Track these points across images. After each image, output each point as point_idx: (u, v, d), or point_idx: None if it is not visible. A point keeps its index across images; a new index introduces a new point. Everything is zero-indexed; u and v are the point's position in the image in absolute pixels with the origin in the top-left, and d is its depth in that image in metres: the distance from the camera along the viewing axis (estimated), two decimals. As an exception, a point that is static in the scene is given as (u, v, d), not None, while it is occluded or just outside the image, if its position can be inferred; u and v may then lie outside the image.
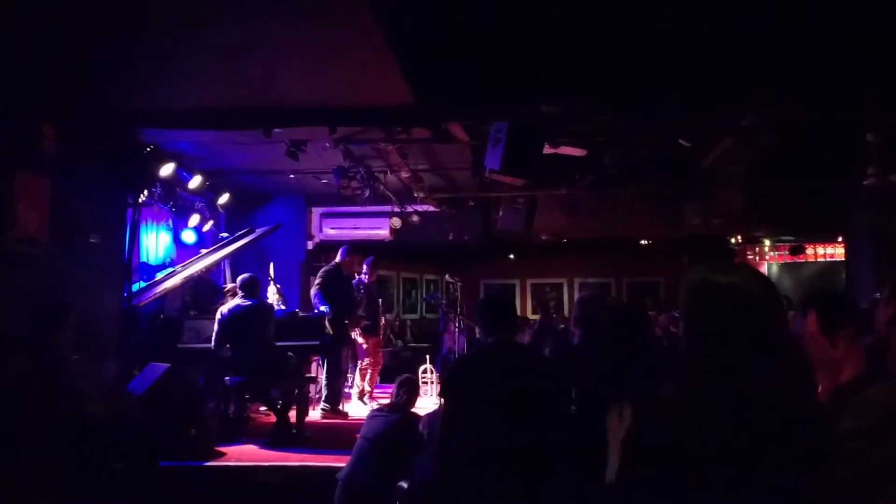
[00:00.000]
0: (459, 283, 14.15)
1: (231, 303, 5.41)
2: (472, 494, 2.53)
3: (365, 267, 7.08)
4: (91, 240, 4.99)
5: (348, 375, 7.32)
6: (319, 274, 6.59)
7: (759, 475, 1.38)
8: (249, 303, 5.26)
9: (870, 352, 2.01)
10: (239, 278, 5.50)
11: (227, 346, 5.25)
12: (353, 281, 6.80)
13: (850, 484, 1.53)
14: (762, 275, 1.59)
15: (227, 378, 5.20)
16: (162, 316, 6.03)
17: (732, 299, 1.48)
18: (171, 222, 6.94)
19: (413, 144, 5.89)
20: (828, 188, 7.05)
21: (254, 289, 5.36)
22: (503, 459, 2.50)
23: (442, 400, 3.02)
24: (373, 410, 4.42)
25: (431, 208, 8.31)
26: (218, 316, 5.28)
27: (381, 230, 8.62)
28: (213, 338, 5.29)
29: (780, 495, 1.38)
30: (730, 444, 1.38)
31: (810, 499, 1.42)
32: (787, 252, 11.58)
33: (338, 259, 6.71)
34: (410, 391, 4.19)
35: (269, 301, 6.35)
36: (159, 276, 6.13)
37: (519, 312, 13.64)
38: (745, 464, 1.38)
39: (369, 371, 7.04)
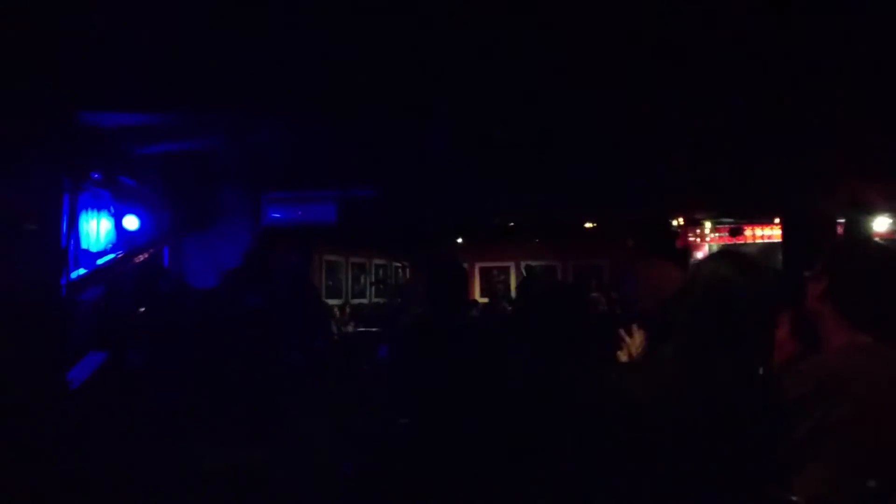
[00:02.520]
0: (408, 268, 14.19)
1: None
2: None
3: None
4: (27, 227, 4.85)
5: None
6: None
7: (706, 441, 1.44)
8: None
9: (802, 327, 2.09)
10: None
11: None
12: None
13: (786, 453, 1.60)
14: (750, 264, 1.68)
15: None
16: (103, 304, 5.90)
17: (722, 288, 1.57)
18: (112, 208, 6.77)
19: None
20: (765, 172, 7.24)
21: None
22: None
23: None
24: None
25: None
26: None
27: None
28: None
29: (723, 460, 1.45)
30: (685, 409, 1.44)
31: (753, 467, 1.50)
32: (727, 234, 11.90)
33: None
34: None
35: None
36: (100, 263, 5.99)
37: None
38: (701, 433, 1.44)
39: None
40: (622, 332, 2.29)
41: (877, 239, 8.95)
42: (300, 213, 8.46)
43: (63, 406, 3.99)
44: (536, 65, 4.29)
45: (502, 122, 5.50)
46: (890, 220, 10.39)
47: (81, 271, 5.70)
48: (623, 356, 2.22)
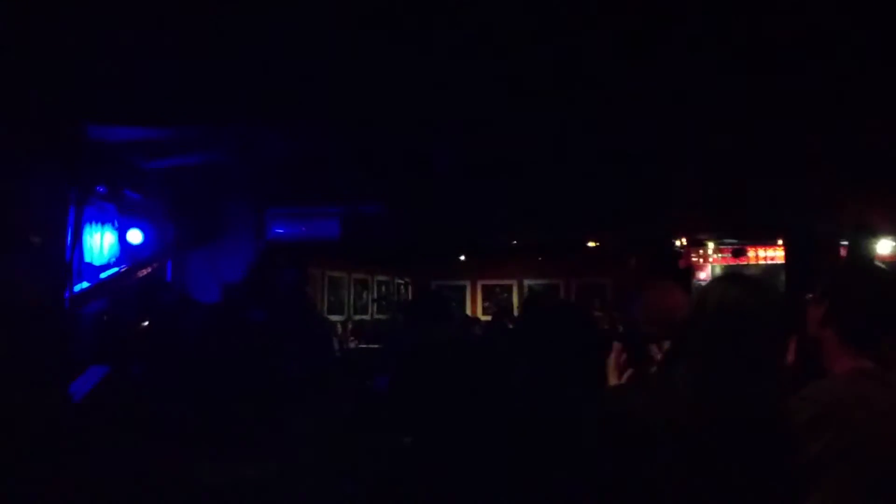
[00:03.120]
0: (410, 285, 14.19)
1: None
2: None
3: None
4: (32, 240, 4.86)
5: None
6: None
7: (721, 470, 1.44)
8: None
9: (803, 351, 2.08)
10: None
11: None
12: None
13: (792, 479, 1.60)
14: (765, 289, 1.69)
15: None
16: (106, 318, 5.90)
17: (734, 311, 1.58)
18: (116, 222, 6.79)
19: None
20: (768, 193, 7.25)
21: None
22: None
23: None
24: None
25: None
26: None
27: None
28: None
29: (735, 488, 1.45)
30: (700, 437, 1.44)
31: (760, 493, 1.49)
32: (729, 255, 11.89)
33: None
34: None
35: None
36: (104, 276, 6.00)
37: (469, 313, 13.74)
38: (710, 456, 1.44)
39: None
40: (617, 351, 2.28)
41: (877, 262, 8.94)
42: (304, 228, 8.47)
43: (64, 419, 3.98)
44: (539, 83, 4.31)
45: (506, 140, 5.52)
46: (893, 243, 10.37)
47: (84, 285, 5.71)
48: (613, 378, 2.20)
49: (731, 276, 1.77)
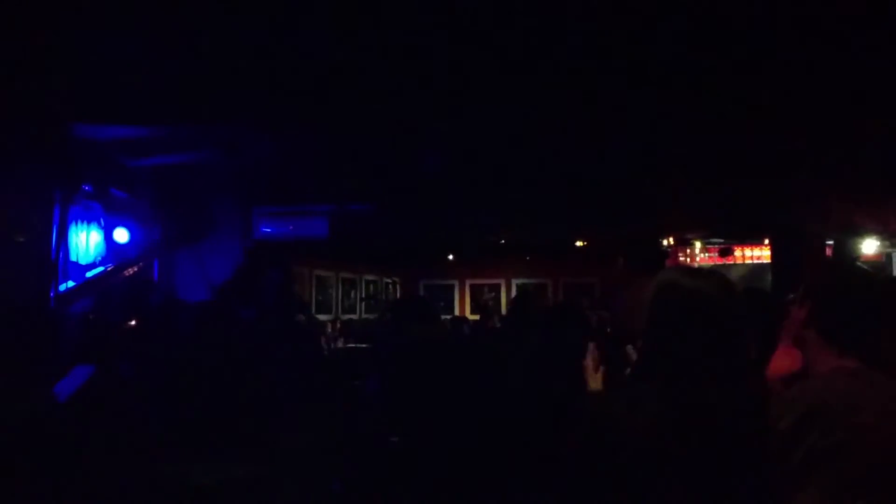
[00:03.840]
0: (399, 284, 14.18)
1: None
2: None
3: None
4: (16, 239, 4.83)
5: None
6: None
7: (702, 470, 1.44)
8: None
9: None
10: None
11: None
12: None
13: (776, 481, 1.61)
14: (730, 283, 1.65)
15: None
16: (92, 317, 5.87)
17: (693, 301, 1.54)
18: (102, 220, 6.75)
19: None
20: (755, 193, 7.30)
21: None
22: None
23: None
24: None
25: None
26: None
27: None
28: None
29: (718, 491, 1.45)
30: (678, 439, 1.43)
31: (745, 495, 1.49)
32: (716, 254, 11.96)
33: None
34: None
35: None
36: (89, 275, 5.97)
37: (458, 312, 13.75)
38: (690, 458, 1.43)
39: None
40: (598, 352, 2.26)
41: (860, 262, 9.02)
42: (291, 227, 8.44)
43: (49, 419, 3.96)
44: (530, 86, 4.32)
45: (494, 141, 5.52)
46: (878, 243, 10.46)
47: (70, 284, 5.68)
48: (594, 381, 2.19)
49: (687, 271, 1.72)
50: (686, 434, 1.45)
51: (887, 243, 10.86)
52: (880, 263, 10.95)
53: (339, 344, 11.31)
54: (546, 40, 3.65)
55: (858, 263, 8.51)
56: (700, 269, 2.00)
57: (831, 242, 9.69)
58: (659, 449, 1.44)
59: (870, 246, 10.31)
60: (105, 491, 4.07)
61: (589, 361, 2.19)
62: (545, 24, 3.48)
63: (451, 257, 13.79)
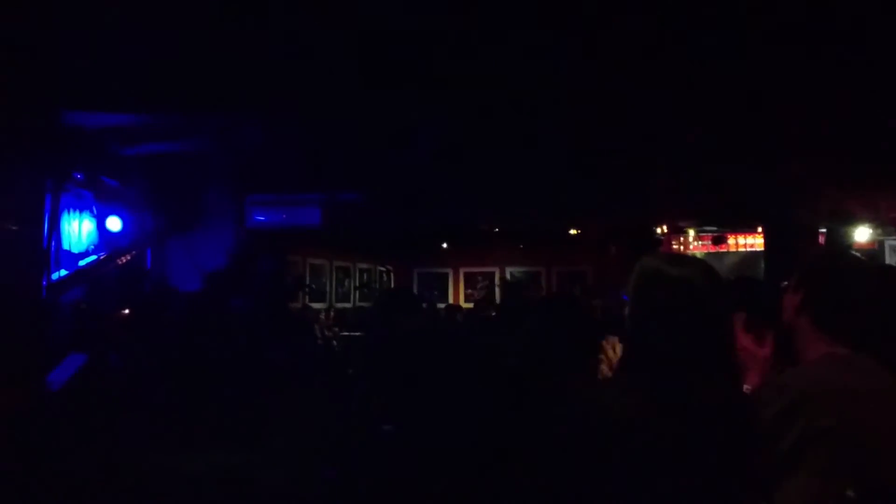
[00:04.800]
0: (392, 272, 14.18)
1: None
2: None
3: None
4: (7, 227, 4.80)
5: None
6: None
7: (689, 461, 1.43)
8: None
9: (777, 340, 2.10)
10: None
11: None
12: None
13: (768, 467, 1.61)
14: (713, 270, 1.64)
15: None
16: (84, 306, 5.85)
17: (679, 290, 1.52)
18: (94, 209, 6.72)
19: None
20: (748, 181, 7.30)
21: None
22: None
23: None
24: None
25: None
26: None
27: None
28: None
29: (707, 481, 1.44)
30: (665, 430, 1.43)
31: (734, 485, 1.49)
32: (710, 242, 11.98)
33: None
34: None
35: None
36: (82, 264, 5.95)
37: (451, 300, 13.76)
38: (676, 449, 1.43)
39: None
40: (604, 344, 2.26)
41: (853, 250, 9.04)
42: (284, 216, 8.42)
43: (42, 408, 3.95)
44: (523, 73, 4.31)
45: (487, 129, 5.51)
46: (870, 230, 10.49)
47: (62, 273, 5.65)
48: (605, 370, 2.19)
49: (670, 258, 1.68)
50: (673, 425, 1.45)
51: (880, 231, 10.89)
52: (873, 251, 10.99)
53: (334, 332, 11.32)
54: (537, 24, 3.63)
55: (851, 251, 8.54)
56: (683, 256, 1.98)
57: (824, 230, 9.71)
58: (646, 441, 1.43)
59: (862, 234, 10.33)
60: (96, 479, 4.06)
61: (610, 352, 2.17)
62: (533, 7, 3.46)
63: (444, 245, 13.78)
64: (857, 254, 2.76)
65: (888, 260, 11.16)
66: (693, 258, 1.93)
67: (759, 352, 2.15)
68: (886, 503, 1.63)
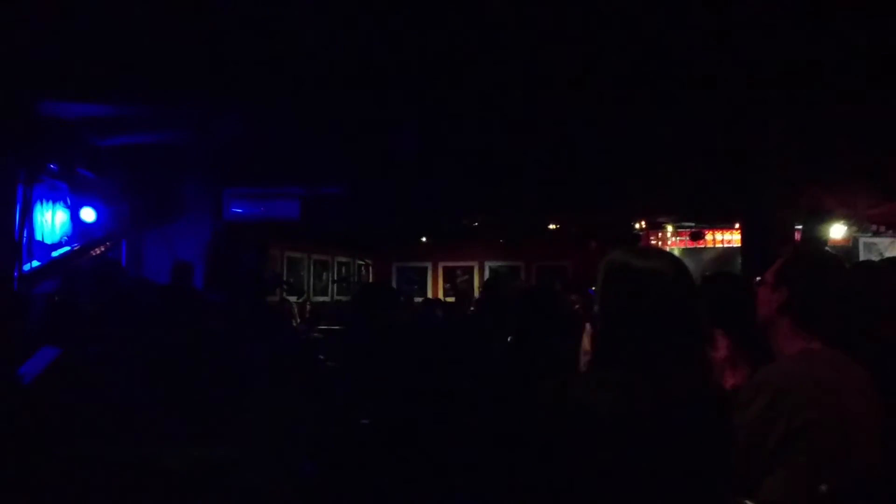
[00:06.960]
0: (371, 266, 14.13)
1: None
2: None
3: None
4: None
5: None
6: None
7: (668, 453, 1.43)
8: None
9: (752, 338, 2.11)
10: None
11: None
12: None
13: (750, 464, 1.62)
14: (680, 261, 1.64)
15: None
16: (58, 298, 5.77)
17: (647, 282, 1.52)
18: (69, 200, 6.63)
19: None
20: (725, 178, 7.36)
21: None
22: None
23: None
24: None
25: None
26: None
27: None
28: None
29: (687, 473, 1.44)
30: (642, 422, 1.43)
31: (712, 477, 1.49)
32: (688, 237, 12.06)
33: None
34: None
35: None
36: (55, 255, 5.86)
37: (431, 294, 13.74)
38: (655, 441, 1.43)
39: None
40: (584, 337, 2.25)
41: (828, 248, 9.14)
42: (262, 209, 8.35)
43: (14, 402, 3.89)
44: (504, 68, 4.30)
45: (468, 124, 5.50)
46: (845, 227, 10.60)
47: (35, 264, 5.57)
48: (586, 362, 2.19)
49: (637, 251, 1.67)
50: (647, 418, 1.45)
51: (854, 228, 11.01)
52: (847, 248, 11.11)
53: (305, 326, 11.25)
54: (522, 21, 3.63)
55: (826, 248, 8.64)
56: (650, 249, 1.99)
57: (800, 227, 9.80)
58: (620, 434, 1.43)
59: (838, 231, 10.44)
60: (72, 474, 4.01)
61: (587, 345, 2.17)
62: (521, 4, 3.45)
63: (424, 240, 13.75)
64: (832, 251, 2.79)
65: (862, 256, 11.28)
66: (660, 250, 1.93)
67: (713, 355, 2.15)
68: (861, 495, 1.65)
